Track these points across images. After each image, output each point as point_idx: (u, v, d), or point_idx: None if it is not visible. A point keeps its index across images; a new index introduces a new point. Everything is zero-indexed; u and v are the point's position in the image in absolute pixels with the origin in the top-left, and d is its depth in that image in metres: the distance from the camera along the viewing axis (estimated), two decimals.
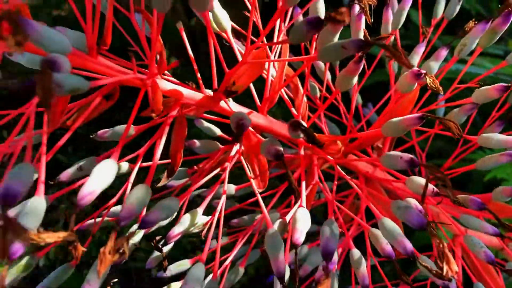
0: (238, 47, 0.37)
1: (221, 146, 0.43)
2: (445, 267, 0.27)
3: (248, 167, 0.34)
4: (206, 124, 0.46)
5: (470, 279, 0.43)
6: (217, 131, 0.47)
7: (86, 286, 0.26)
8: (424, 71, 0.30)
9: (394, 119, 0.30)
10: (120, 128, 0.37)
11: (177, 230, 0.34)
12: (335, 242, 0.28)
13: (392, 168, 0.31)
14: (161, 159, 0.33)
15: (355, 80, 0.32)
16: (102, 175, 0.25)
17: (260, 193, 0.43)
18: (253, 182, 0.34)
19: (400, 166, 0.29)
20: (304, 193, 0.34)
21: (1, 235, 0.19)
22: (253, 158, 0.35)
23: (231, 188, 0.44)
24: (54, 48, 0.20)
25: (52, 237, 0.23)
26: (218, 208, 0.33)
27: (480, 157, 0.39)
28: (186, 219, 0.35)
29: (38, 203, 0.24)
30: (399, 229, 0.29)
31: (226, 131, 0.47)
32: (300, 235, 0.30)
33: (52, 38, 0.20)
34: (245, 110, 0.36)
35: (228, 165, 0.33)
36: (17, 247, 0.23)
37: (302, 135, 0.28)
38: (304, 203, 0.34)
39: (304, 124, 0.28)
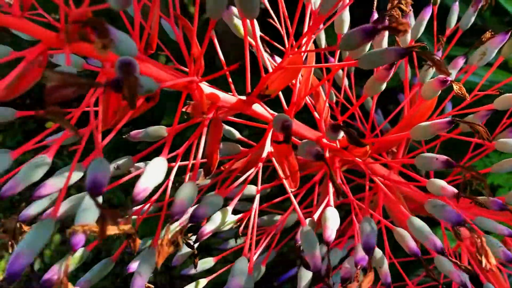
0: (267, 56, 0.38)
1: (242, 148, 0.45)
2: (484, 261, 0.29)
3: (278, 167, 0.36)
4: (226, 127, 0.47)
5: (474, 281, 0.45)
6: (237, 134, 0.48)
7: (137, 278, 0.27)
8: (450, 79, 0.32)
9: (423, 124, 0.32)
10: (153, 129, 0.39)
11: (209, 228, 0.36)
12: (375, 237, 0.30)
13: (427, 169, 0.32)
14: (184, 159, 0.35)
15: (384, 86, 0.33)
16: (154, 172, 0.27)
17: (277, 196, 0.45)
18: (285, 182, 0.35)
19: (436, 167, 0.31)
20: (331, 193, 0.36)
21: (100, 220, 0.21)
22: (282, 159, 0.37)
23: (252, 189, 0.45)
24: (126, 51, 0.22)
25: (114, 230, 0.25)
26: (254, 206, 0.34)
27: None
28: (217, 217, 0.36)
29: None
30: (428, 227, 0.31)
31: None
32: (331, 233, 0.32)
33: (125, 41, 0.22)
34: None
35: (260, 165, 0.35)
36: (79, 239, 0.24)
37: (343, 136, 0.30)
38: (332, 203, 0.35)
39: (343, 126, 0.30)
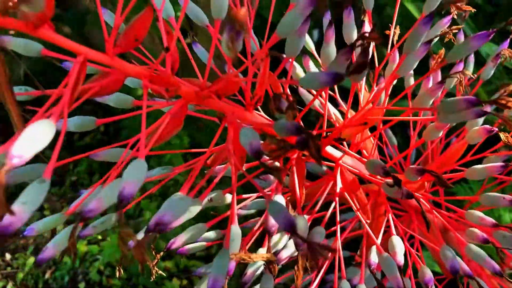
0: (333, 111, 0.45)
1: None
2: None
3: (350, 200, 0.42)
4: None
5: None
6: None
7: None
8: (496, 129, 0.40)
9: (479, 166, 0.39)
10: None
11: (285, 254, 0.41)
12: (457, 262, 0.36)
13: (493, 206, 0.39)
14: None
15: (441, 133, 0.40)
16: None
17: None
18: (360, 214, 0.41)
19: (503, 204, 0.38)
20: (392, 223, 0.42)
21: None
22: (350, 194, 0.42)
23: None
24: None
25: (258, 258, 0.30)
26: (338, 235, 0.40)
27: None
28: (291, 244, 0.41)
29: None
30: (484, 252, 0.38)
31: None
32: (401, 259, 0.38)
33: None
34: (338, 152, 0.43)
35: (337, 200, 0.41)
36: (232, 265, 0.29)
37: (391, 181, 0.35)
38: (394, 231, 0.42)
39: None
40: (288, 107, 0.25)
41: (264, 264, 0.38)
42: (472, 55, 0.54)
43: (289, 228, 0.24)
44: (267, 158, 0.28)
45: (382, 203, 0.48)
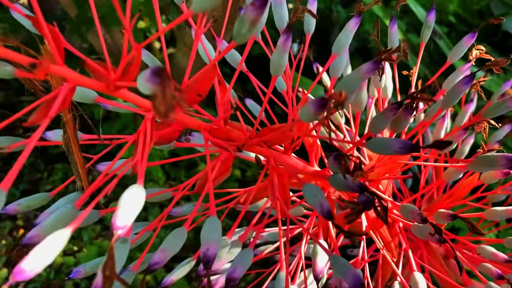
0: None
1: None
2: None
3: (374, 238, 0.43)
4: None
5: None
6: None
7: None
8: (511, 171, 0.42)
9: (498, 208, 0.42)
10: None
11: None
12: None
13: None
14: None
15: (461, 175, 0.43)
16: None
17: None
18: (385, 252, 0.43)
19: None
20: (412, 259, 0.44)
21: None
22: (375, 231, 0.44)
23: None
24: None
25: None
26: (368, 274, 0.41)
27: None
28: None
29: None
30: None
31: None
32: None
33: None
34: None
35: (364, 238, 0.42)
36: None
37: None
38: (415, 267, 0.44)
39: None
40: (356, 168, 0.27)
41: None
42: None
43: (360, 285, 0.25)
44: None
45: (396, 235, 0.50)
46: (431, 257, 0.54)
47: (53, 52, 0.23)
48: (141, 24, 1.80)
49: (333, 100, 0.20)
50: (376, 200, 0.26)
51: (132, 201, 0.22)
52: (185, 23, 0.36)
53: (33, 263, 0.20)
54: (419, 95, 0.30)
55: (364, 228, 0.43)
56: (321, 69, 0.41)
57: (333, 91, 0.30)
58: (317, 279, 0.32)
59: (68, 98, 0.24)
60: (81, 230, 2.04)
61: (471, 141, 0.53)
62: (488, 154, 0.32)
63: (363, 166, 0.47)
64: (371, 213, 0.46)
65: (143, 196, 0.22)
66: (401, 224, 0.47)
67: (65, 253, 1.96)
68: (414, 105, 0.30)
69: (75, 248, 1.96)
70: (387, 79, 0.45)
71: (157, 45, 1.97)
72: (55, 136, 0.36)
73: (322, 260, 0.31)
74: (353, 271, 0.26)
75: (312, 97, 0.45)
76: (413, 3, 1.68)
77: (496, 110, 0.33)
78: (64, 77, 0.23)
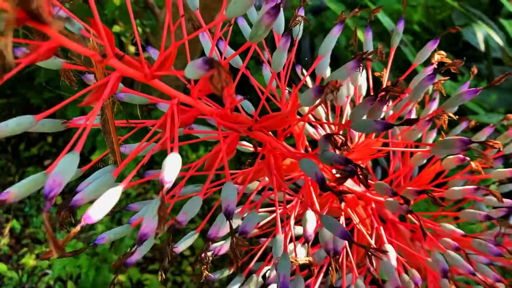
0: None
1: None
2: None
3: (352, 214, 0.51)
4: None
5: None
6: None
7: None
8: (468, 158, 0.50)
9: (456, 188, 0.50)
10: None
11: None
12: (447, 265, 0.46)
13: (472, 221, 0.50)
14: None
15: (425, 160, 0.51)
16: None
17: None
18: (360, 226, 0.50)
19: (480, 219, 0.48)
20: (384, 236, 0.52)
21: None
22: (352, 209, 0.51)
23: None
24: None
25: (302, 260, 0.38)
26: (347, 244, 0.48)
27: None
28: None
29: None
30: (459, 257, 0.48)
31: None
32: (395, 262, 0.48)
33: None
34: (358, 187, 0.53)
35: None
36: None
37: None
38: (386, 240, 0.51)
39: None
40: (342, 144, 0.34)
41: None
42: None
43: (346, 236, 0.32)
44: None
45: (369, 216, 0.57)
46: (399, 237, 0.62)
47: (107, 48, 0.29)
48: (116, 28, 1.84)
49: (330, 86, 0.27)
50: (358, 170, 0.33)
51: (174, 163, 0.28)
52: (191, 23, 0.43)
53: (96, 211, 0.26)
54: (392, 88, 0.37)
55: (343, 207, 0.50)
56: (305, 72, 0.48)
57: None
58: (308, 240, 0.39)
59: (116, 84, 0.30)
60: (55, 233, 2.05)
61: (433, 134, 0.61)
62: (448, 138, 0.40)
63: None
64: (349, 195, 0.53)
65: (180, 160, 0.29)
66: (373, 205, 0.55)
67: (38, 256, 1.97)
68: (387, 97, 0.38)
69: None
70: (362, 79, 0.52)
71: (132, 48, 2.01)
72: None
73: (312, 225, 0.38)
74: (340, 226, 0.33)
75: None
76: (380, 13, 1.78)
77: (455, 102, 0.41)
78: (114, 68, 0.30)
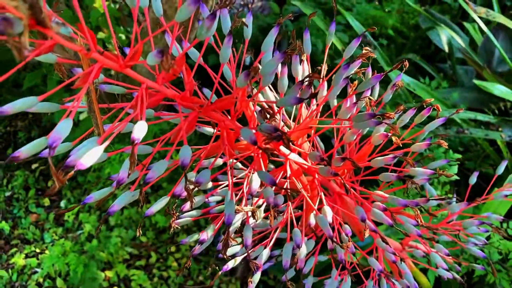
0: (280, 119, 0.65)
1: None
2: None
3: (296, 182, 0.62)
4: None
5: None
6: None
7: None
8: (390, 134, 0.62)
9: (379, 158, 0.61)
10: None
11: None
12: (365, 214, 0.58)
13: (386, 180, 0.62)
14: None
15: (355, 137, 0.62)
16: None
17: None
18: (303, 191, 0.62)
19: (392, 179, 0.60)
20: (324, 199, 0.63)
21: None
22: (297, 178, 0.63)
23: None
24: None
25: (248, 209, 0.49)
26: (290, 204, 0.60)
27: None
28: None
29: None
30: (381, 213, 0.60)
31: None
32: (330, 218, 0.59)
33: None
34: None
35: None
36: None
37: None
38: (325, 203, 0.63)
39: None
40: (271, 116, 0.46)
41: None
42: (377, 85, 0.77)
43: (273, 182, 0.44)
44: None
45: (316, 188, 0.69)
46: (344, 206, 0.73)
47: (91, 45, 0.40)
48: (101, 34, 1.95)
49: (252, 70, 0.39)
50: (283, 136, 0.44)
51: (141, 127, 0.39)
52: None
53: (86, 160, 0.38)
54: (313, 75, 0.49)
55: (288, 175, 0.62)
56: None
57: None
58: (252, 195, 0.50)
59: (97, 72, 0.41)
60: (43, 233, 2.14)
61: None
62: (361, 113, 0.52)
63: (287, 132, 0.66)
64: (294, 166, 0.64)
65: (146, 125, 0.40)
66: (317, 176, 0.66)
67: (27, 255, 2.05)
68: (312, 82, 0.49)
69: (38, 250, 2.06)
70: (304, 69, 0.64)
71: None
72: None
73: (256, 183, 0.50)
74: (270, 176, 0.45)
75: None
76: (351, 19, 1.90)
77: (365, 85, 0.53)
78: (96, 60, 0.41)
